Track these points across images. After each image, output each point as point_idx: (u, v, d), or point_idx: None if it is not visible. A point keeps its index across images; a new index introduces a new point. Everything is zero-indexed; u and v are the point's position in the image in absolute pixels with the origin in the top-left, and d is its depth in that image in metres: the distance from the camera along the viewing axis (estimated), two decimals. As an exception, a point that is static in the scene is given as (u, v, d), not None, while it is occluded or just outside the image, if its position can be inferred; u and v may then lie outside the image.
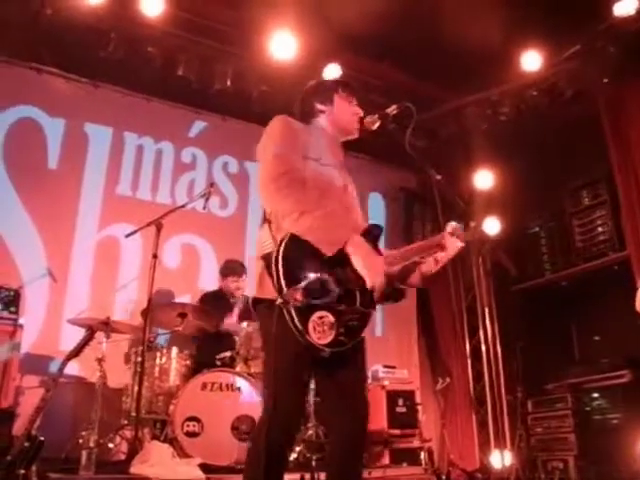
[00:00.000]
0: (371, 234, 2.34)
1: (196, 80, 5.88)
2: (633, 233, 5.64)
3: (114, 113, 6.08)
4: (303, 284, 2.04)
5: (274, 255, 2.10)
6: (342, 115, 2.57)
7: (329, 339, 2.09)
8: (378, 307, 2.40)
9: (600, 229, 6.15)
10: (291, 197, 2.16)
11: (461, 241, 2.43)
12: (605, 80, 5.80)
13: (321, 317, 2.08)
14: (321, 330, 2.07)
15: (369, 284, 2.18)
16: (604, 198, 6.15)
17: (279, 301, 2.04)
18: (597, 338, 6.42)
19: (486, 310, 6.81)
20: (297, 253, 2.11)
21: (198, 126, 6.53)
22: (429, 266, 2.49)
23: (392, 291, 2.37)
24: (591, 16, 5.44)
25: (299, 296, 2.01)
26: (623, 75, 5.78)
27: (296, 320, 2.05)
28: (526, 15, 5.26)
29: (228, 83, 5.92)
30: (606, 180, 6.09)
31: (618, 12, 5.26)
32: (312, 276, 2.07)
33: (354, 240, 2.17)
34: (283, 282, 2.05)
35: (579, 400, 5.67)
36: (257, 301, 2.29)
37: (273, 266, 2.08)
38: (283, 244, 2.11)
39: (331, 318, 2.10)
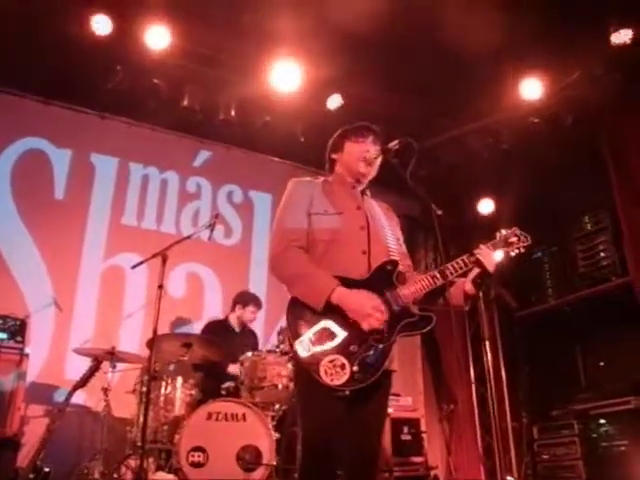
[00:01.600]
0: (383, 271, 2.45)
1: (201, 110, 5.97)
2: (635, 258, 5.65)
3: (120, 144, 6.18)
4: (305, 337, 2.30)
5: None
6: (349, 158, 2.70)
7: (344, 379, 2.24)
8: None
9: (602, 254, 6.15)
10: (286, 272, 2.45)
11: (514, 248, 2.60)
12: (608, 103, 5.86)
13: (332, 360, 2.26)
14: (333, 372, 2.24)
15: (364, 328, 2.31)
16: (606, 224, 6.17)
17: (291, 355, 2.36)
18: (602, 364, 6.38)
19: (487, 343, 6.80)
20: (298, 312, 2.36)
21: (203, 156, 6.62)
22: (471, 286, 2.55)
23: (417, 320, 2.41)
24: (591, 44, 5.51)
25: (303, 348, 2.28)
26: (623, 102, 5.84)
27: (307, 368, 2.27)
28: (527, 43, 5.32)
29: (232, 113, 6.01)
30: (607, 206, 6.12)
31: (616, 41, 5.32)
32: (312, 328, 2.31)
33: (336, 294, 2.31)
34: (291, 338, 2.33)
35: (586, 426, 5.61)
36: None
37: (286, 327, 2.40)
38: (288, 307, 2.40)
39: (342, 360, 2.26)
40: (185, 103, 5.87)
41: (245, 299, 5.38)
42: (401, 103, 6.29)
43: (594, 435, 5.54)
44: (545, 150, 6.33)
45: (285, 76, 5.74)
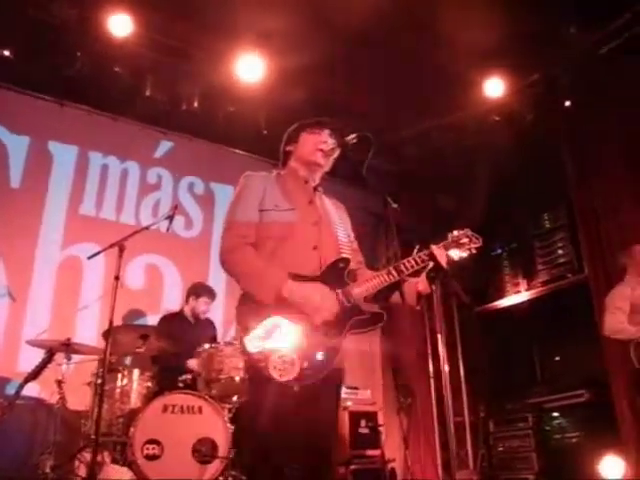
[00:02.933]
0: (335, 269, 2.45)
1: (163, 100, 5.92)
2: (591, 256, 5.79)
3: (79, 132, 6.05)
4: (256, 332, 2.27)
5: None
6: (304, 149, 2.68)
7: (293, 375, 2.23)
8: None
9: (560, 251, 6.28)
10: (236, 267, 2.45)
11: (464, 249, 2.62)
12: (566, 104, 5.98)
13: (281, 356, 2.24)
14: (282, 368, 2.22)
15: (316, 321, 2.31)
16: (564, 222, 6.29)
17: (240, 350, 2.31)
18: (557, 358, 6.53)
19: (439, 336, 6.90)
20: (248, 307, 2.35)
21: (164, 146, 6.52)
22: (424, 285, 2.56)
23: (368, 318, 2.41)
24: (553, 45, 5.62)
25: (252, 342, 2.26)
26: (581, 103, 5.96)
27: (256, 363, 2.25)
28: (491, 43, 5.39)
29: (195, 104, 5.97)
30: (566, 204, 6.24)
31: (574, 44, 5.45)
32: (263, 323, 2.29)
33: (286, 288, 2.32)
34: (241, 333, 2.30)
35: (540, 419, 5.75)
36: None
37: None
38: (238, 302, 2.40)
39: (292, 356, 2.24)
40: (147, 93, 5.81)
41: (198, 290, 5.33)
42: (365, 98, 6.31)
43: (547, 428, 5.68)
44: (506, 146, 6.41)
45: (249, 68, 5.73)
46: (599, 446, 4.99)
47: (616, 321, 4.38)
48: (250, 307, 2.34)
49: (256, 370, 2.26)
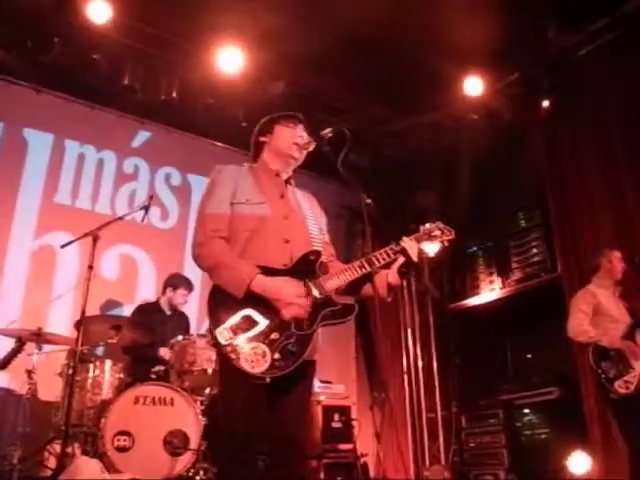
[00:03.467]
0: (306, 261, 2.45)
1: (141, 90, 5.85)
2: (564, 256, 5.85)
3: (55, 119, 5.97)
4: (227, 324, 2.28)
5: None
6: (280, 141, 2.67)
7: (264, 367, 2.23)
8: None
9: (534, 250, 6.35)
10: (207, 261, 2.42)
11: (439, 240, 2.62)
12: (544, 104, 6.03)
13: (253, 348, 2.24)
14: (253, 360, 2.22)
15: (285, 316, 2.31)
16: (538, 221, 6.37)
17: (211, 342, 2.34)
18: (529, 356, 6.61)
19: (409, 331, 6.95)
20: (219, 300, 2.34)
21: (142, 136, 6.46)
22: (394, 276, 2.56)
23: (339, 309, 2.41)
24: (532, 46, 5.67)
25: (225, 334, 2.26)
26: (558, 104, 6.03)
27: (227, 355, 2.24)
28: (471, 41, 5.41)
29: (174, 94, 5.92)
30: (540, 203, 6.30)
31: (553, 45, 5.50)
32: (234, 316, 2.30)
33: (256, 282, 2.32)
34: (212, 326, 2.29)
35: (511, 416, 5.83)
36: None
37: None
38: (209, 295, 2.37)
39: (263, 347, 2.25)
40: (126, 81, 5.74)
41: (175, 282, 5.30)
42: (344, 93, 6.32)
43: (517, 424, 5.76)
44: (484, 146, 6.45)
45: (229, 60, 5.71)
46: (568, 443, 5.08)
47: (578, 323, 4.39)
48: (222, 300, 2.33)
49: (227, 362, 2.25)
